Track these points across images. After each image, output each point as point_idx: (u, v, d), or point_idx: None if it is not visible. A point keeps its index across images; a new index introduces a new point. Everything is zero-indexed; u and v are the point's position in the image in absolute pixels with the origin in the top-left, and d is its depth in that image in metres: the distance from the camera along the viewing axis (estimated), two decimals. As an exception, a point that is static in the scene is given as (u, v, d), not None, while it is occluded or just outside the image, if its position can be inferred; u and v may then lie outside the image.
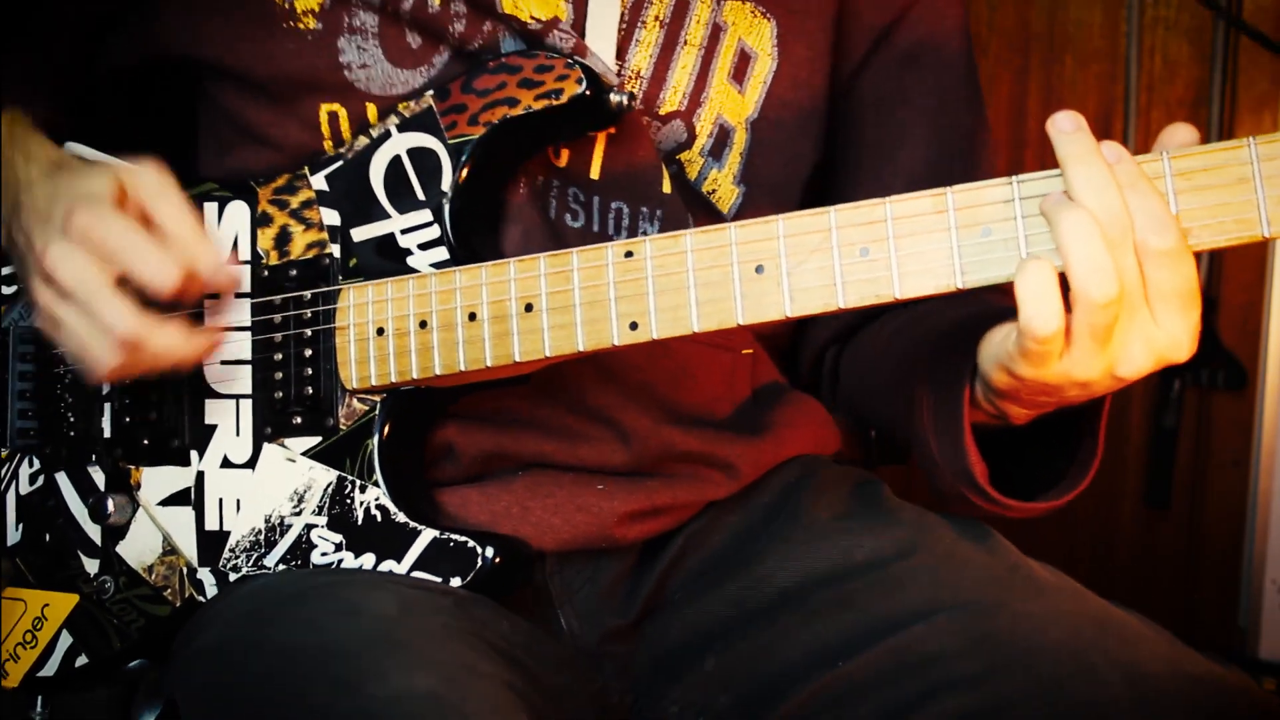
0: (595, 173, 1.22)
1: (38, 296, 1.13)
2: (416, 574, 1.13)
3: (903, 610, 1.13)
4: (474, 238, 1.17)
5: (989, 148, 1.35)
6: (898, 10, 1.30)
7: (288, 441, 1.19)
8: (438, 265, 1.16)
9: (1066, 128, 0.94)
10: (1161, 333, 0.94)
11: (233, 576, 1.19)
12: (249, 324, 1.21)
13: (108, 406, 1.25)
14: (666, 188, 1.23)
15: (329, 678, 0.98)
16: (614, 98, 1.15)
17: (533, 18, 1.18)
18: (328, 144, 1.22)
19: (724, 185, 1.27)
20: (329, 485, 1.17)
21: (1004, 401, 1.07)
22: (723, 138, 1.25)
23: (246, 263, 1.22)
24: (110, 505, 1.21)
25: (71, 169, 1.19)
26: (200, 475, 1.21)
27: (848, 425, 1.41)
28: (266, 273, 1.22)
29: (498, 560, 1.12)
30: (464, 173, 1.16)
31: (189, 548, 1.21)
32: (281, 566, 1.18)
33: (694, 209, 1.26)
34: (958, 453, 1.10)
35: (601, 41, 1.20)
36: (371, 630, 1.02)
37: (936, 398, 1.13)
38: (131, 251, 1.09)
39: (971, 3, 2.92)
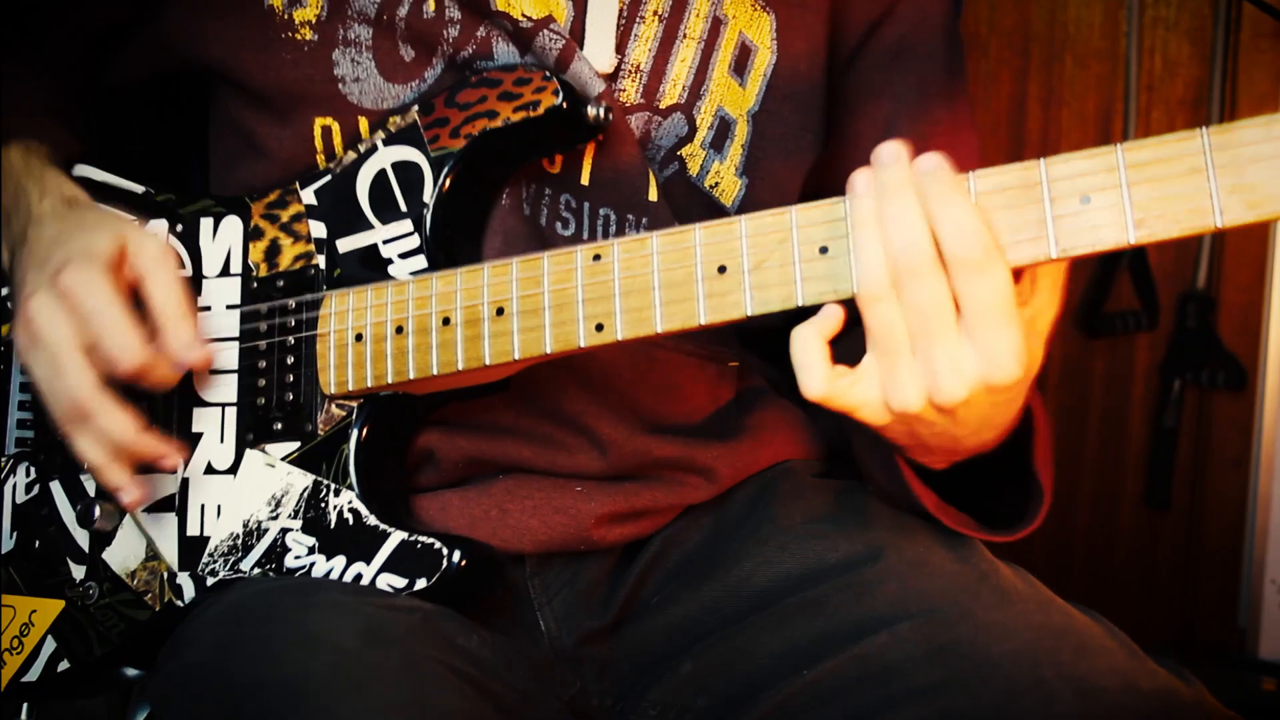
0: (585, 178, 1.23)
1: (16, 336, 1.16)
2: (384, 576, 1.14)
3: (869, 617, 1.12)
4: (454, 247, 1.19)
5: (970, 143, 1.35)
6: (886, 5, 1.32)
7: (268, 447, 1.21)
8: (416, 273, 1.18)
9: (886, 160, 0.95)
10: (972, 354, 0.93)
11: (210, 580, 1.20)
12: (238, 334, 1.24)
13: (102, 416, 1.28)
14: (653, 195, 1.24)
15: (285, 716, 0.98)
16: (591, 110, 1.17)
17: (524, 15, 1.21)
18: (320, 158, 1.25)
19: (726, 177, 1.28)
20: (305, 489, 1.18)
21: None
22: (723, 130, 1.27)
23: (238, 275, 1.25)
24: (97, 510, 1.23)
25: (81, 214, 1.22)
26: (185, 482, 1.23)
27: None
28: (256, 284, 1.24)
29: (463, 563, 1.12)
30: (445, 184, 1.19)
31: (170, 553, 1.22)
32: (256, 571, 1.19)
33: (696, 205, 1.26)
34: (903, 490, 1.14)
35: (601, 36, 1.22)
36: (330, 666, 1.01)
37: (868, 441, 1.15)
38: (103, 321, 1.12)
39: (971, 3, 2.93)
